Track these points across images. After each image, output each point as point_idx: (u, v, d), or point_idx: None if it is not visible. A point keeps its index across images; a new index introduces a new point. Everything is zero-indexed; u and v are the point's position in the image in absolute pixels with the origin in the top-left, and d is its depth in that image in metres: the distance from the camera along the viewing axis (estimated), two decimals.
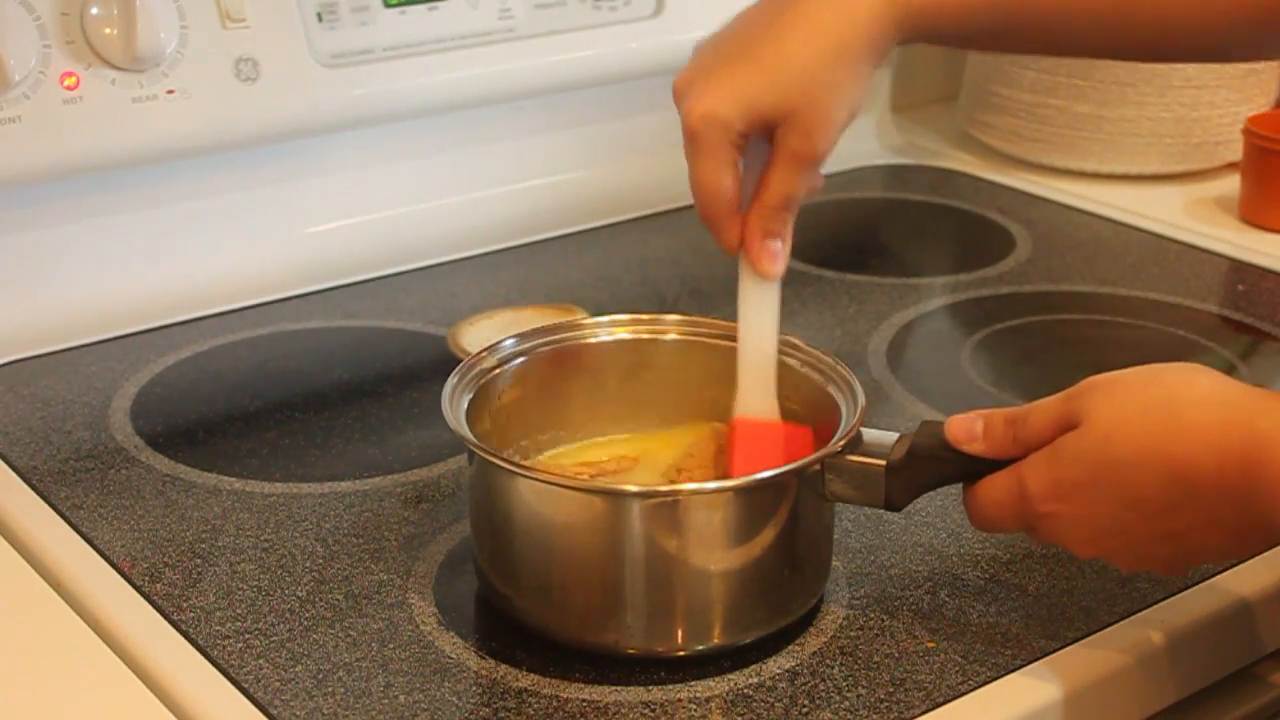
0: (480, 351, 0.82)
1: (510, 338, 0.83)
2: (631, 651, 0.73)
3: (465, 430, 0.75)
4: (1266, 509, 0.65)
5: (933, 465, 0.73)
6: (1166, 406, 0.68)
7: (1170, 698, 0.77)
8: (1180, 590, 0.79)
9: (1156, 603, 0.78)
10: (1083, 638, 0.75)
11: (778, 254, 0.80)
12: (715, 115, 0.77)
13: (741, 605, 0.74)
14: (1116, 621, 0.76)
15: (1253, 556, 0.79)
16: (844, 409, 0.77)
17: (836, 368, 0.80)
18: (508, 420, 0.82)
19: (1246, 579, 0.80)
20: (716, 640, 0.74)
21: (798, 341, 0.82)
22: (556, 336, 0.84)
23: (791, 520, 0.74)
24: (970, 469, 0.72)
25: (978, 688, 0.72)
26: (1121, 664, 0.74)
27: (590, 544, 0.73)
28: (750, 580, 0.74)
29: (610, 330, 0.85)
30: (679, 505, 0.72)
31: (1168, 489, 0.67)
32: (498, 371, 0.82)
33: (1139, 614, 0.77)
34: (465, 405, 0.77)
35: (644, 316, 0.86)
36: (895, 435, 0.75)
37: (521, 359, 0.83)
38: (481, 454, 0.74)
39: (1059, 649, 0.75)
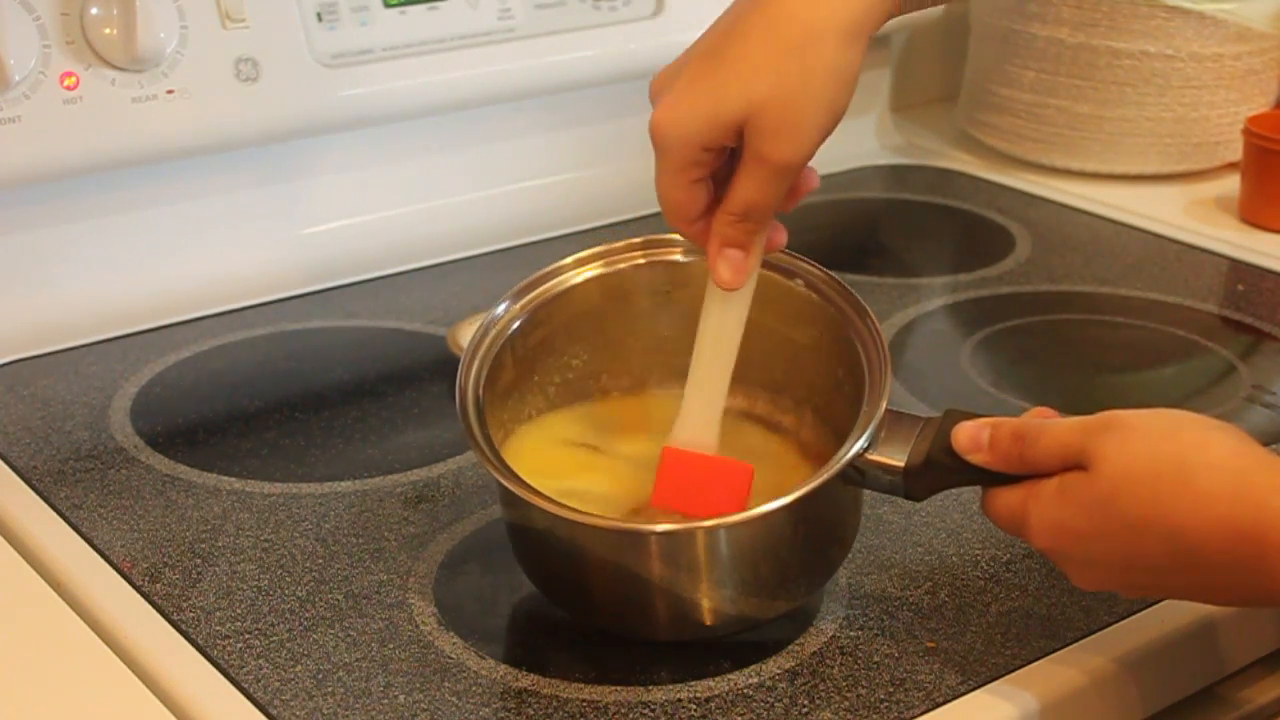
0: (469, 349, 0.78)
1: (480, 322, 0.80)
2: (665, 638, 0.75)
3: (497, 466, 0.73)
4: (1274, 586, 0.64)
5: (949, 474, 0.72)
6: (1178, 469, 0.65)
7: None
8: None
9: (1155, 603, 0.78)
10: (1083, 637, 0.75)
11: (738, 264, 0.74)
12: (675, 127, 0.71)
13: (764, 586, 0.74)
14: (1116, 621, 0.76)
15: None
16: (866, 399, 0.74)
17: (885, 355, 0.76)
18: (535, 362, 0.81)
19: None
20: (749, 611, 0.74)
21: (869, 310, 0.79)
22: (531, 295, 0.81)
23: (812, 504, 0.72)
24: (989, 476, 0.71)
25: (978, 688, 0.72)
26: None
27: (612, 565, 0.73)
28: (774, 561, 0.73)
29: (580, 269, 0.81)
30: (696, 535, 0.72)
31: (1173, 556, 0.65)
32: (510, 330, 0.79)
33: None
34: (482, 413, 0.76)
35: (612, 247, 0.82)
36: (920, 423, 0.73)
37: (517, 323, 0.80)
38: (514, 488, 0.72)
39: (1059, 649, 0.75)
